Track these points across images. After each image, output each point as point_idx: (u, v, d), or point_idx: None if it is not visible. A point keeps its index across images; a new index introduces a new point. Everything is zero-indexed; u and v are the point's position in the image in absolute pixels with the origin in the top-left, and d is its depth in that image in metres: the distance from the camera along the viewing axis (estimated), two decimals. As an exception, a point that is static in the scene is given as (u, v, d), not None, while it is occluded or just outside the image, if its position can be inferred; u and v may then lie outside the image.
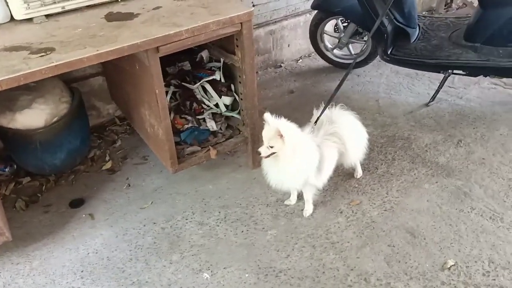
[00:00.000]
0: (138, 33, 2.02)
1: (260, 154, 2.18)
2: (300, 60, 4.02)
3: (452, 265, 2.09)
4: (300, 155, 2.14)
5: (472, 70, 3.03)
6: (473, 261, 2.10)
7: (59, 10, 2.31)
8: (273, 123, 2.09)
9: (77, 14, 2.33)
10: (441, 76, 3.16)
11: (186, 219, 2.44)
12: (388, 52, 3.15)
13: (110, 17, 2.26)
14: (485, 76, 3.17)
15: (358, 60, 3.56)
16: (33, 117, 2.42)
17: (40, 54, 1.89)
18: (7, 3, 2.20)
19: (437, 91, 3.22)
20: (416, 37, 3.24)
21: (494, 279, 2.02)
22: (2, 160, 2.75)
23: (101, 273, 2.16)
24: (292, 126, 2.16)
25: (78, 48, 1.92)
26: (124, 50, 1.93)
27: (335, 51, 3.73)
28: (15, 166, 2.76)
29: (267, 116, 2.09)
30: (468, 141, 2.86)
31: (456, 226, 2.29)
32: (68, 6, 2.33)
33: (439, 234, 2.25)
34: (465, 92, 3.36)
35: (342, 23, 3.60)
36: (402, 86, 3.50)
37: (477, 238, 2.22)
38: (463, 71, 3.05)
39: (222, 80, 2.62)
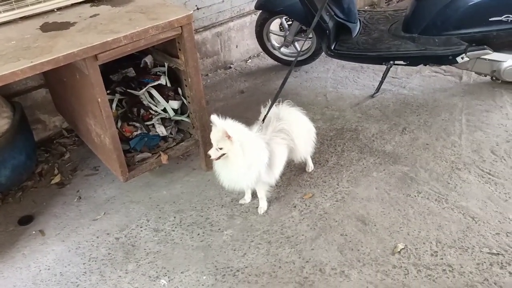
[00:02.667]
0: (74, 42, 1.99)
1: (210, 156, 2.19)
2: (249, 60, 4.05)
3: (402, 249, 2.17)
4: (249, 153, 2.16)
5: (412, 60, 3.15)
6: (422, 243, 2.19)
7: (-9, 22, 2.24)
8: (220, 125, 2.10)
9: (11, 26, 2.26)
10: (384, 67, 3.27)
11: (141, 227, 2.41)
12: (332, 48, 3.23)
13: (45, 27, 2.20)
14: (425, 65, 3.31)
15: (303, 57, 3.64)
16: (-28, 135, 2.33)
17: (-29, 69, 1.82)
18: None
19: (381, 82, 3.33)
20: (358, 32, 3.33)
21: (442, 258, 2.11)
22: None
23: (55, 289, 2.11)
24: (239, 126, 2.17)
25: (11, 61, 1.87)
26: (59, 60, 1.89)
27: (282, 49, 3.78)
28: (-43, 187, 2.65)
29: (214, 118, 2.11)
30: (412, 128, 2.97)
31: (404, 211, 2.37)
32: (1, 18, 2.26)
33: (389, 219, 2.33)
34: (407, 82, 3.49)
35: (287, 21, 3.65)
36: (348, 79, 3.60)
37: (425, 220, 2.31)
38: (403, 62, 3.18)
39: (168, 85, 2.61)
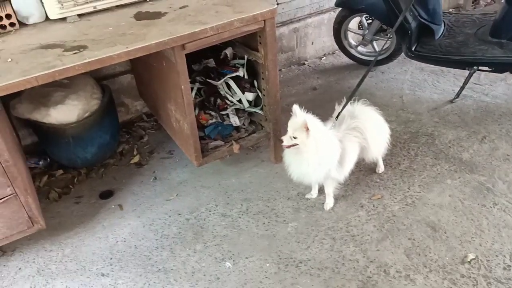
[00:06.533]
0: (165, 31, 2.11)
1: (282, 142, 2.21)
2: (324, 57, 4.05)
3: (473, 259, 2.09)
4: (322, 150, 2.17)
5: (498, 67, 3.00)
6: (494, 255, 2.10)
7: (91, 9, 2.42)
8: (300, 115, 2.14)
9: (108, 14, 2.44)
10: (466, 72, 3.14)
11: (210, 211, 2.52)
12: (413, 49, 3.15)
13: (139, 16, 2.35)
14: (511, 73, 3.13)
15: (381, 57, 3.57)
16: (66, 112, 2.53)
17: (74, 52, 2.00)
18: (42, 3, 2.32)
19: (462, 88, 3.20)
20: (441, 34, 3.22)
21: (516, 274, 2.02)
22: (36, 154, 2.90)
23: (129, 260, 2.26)
24: (317, 121, 2.20)
25: (109, 45, 2.02)
26: (151, 48, 2.02)
27: (359, 48, 3.74)
28: (48, 159, 2.90)
29: (295, 107, 2.14)
30: (492, 137, 2.84)
31: (477, 221, 2.28)
32: (100, 6, 2.44)
33: (460, 228, 2.25)
34: (491, 89, 3.32)
35: (366, 20, 3.61)
36: (426, 82, 3.49)
37: (499, 233, 2.21)
38: (488, 68, 3.03)
39: (246, 77, 2.69)
